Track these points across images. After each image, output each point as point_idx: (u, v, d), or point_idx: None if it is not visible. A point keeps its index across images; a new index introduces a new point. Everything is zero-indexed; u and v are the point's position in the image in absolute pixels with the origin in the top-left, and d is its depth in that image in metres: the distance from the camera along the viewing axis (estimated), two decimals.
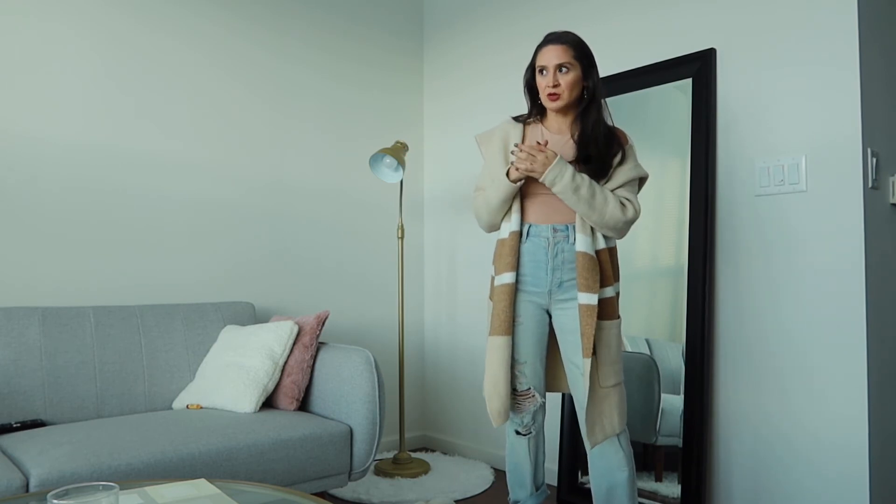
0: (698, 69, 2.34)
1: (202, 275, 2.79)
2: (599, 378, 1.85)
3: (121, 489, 1.17)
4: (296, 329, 2.40)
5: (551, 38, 1.93)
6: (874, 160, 2.03)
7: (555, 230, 1.92)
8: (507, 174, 1.92)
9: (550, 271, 1.91)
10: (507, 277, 1.93)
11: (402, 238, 3.10)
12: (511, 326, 1.93)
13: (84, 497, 1.07)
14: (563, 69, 1.90)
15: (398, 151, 2.98)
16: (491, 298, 1.97)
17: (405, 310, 3.43)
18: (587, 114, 1.93)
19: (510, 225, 1.96)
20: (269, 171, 3.00)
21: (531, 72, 1.99)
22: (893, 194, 2.15)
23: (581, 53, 1.92)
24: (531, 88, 2.02)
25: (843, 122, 2.03)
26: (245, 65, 2.95)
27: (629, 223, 1.90)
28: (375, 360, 2.28)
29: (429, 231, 3.52)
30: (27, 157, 2.41)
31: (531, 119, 2.04)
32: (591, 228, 1.89)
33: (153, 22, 2.70)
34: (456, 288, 3.34)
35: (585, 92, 1.93)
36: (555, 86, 1.89)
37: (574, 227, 1.90)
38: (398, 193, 3.19)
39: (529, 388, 1.97)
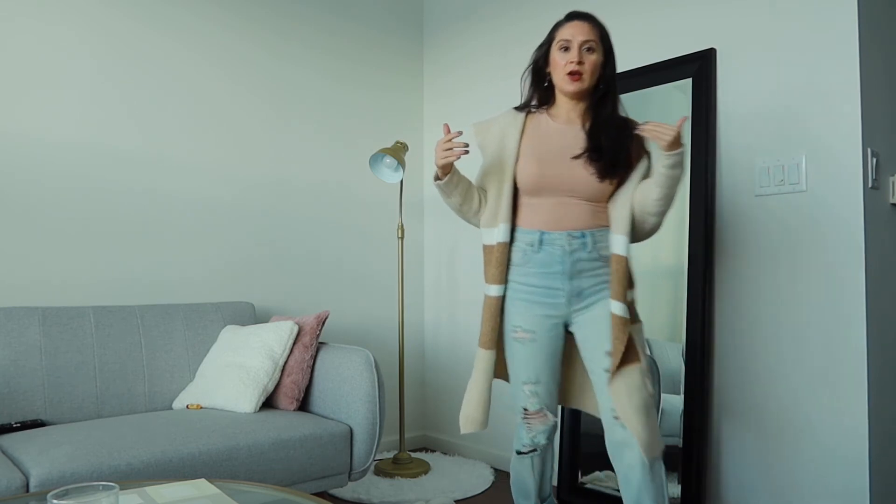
0: (698, 69, 2.34)
1: (202, 275, 2.79)
2: (648, 384, 1.70)
3: (121, 489, 1.17)
4: (296, 329, 2.40)
5: (578, 15, 1.78)
6: (874, 160, 2.03)
7: (571, 237, 1.74)
8: (435, 174, 1.81)
9: (567, 281, 1.75)
10: (494, 290, 1.80)
11: (402, 238, 3.10)
12: (496, 341, 1.81)
13: (84, 497, 1.06)
14: (589, 48, 1.73)
15: (398, 151, 2.98)
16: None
17: (405, 310, 3.43)
18: (602, 105, 1.77)
19: (497, 233, 1.79)
20: (269, 171, 3.00)
21: (544, 50, 1.80)
22: (893, 194, 2.15)
23: (605, 37, 1.77)
24: (538, 71, 1.83)
25: (843, 122, 2.03)
26: (246, 65, 2.95)
27: None
28: (375, 360, 2.28)
29: (429, 231, 3.52)
30: (27, 158, 2.40)
31: (533, 108, 1.86)
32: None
33: (153, 22, 2.70)
34: (456, 288, 3.34)
35: (602, 82, 1.77)
36: (579, 63, 1.71)
37: (590, 233, 1.75)
38: (398, 193, 3.19)
39: (542, 409, 1.83)
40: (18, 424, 2.05)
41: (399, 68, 3.48)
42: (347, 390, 2.25)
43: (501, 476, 2.93)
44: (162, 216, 2.70)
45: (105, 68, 2.58)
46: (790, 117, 2.15)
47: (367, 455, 2.24)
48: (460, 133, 1.73)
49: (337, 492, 2.60)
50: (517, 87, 3.00)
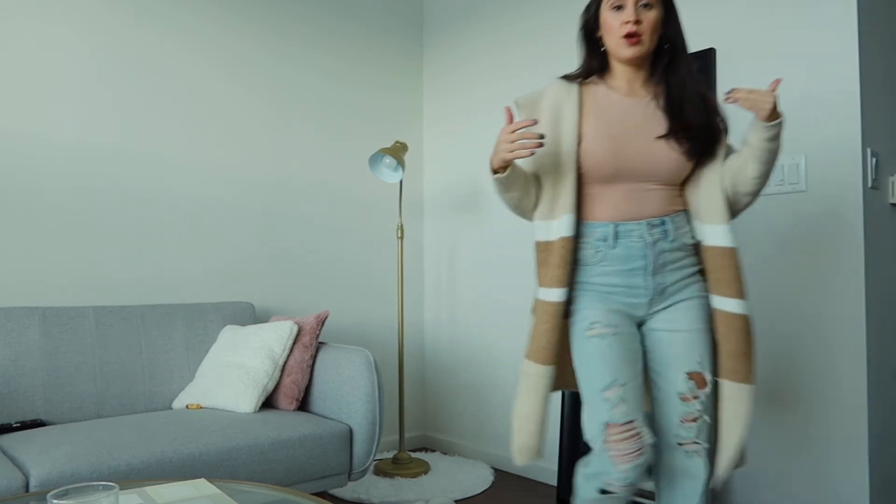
0: (698, 69, 2.33)
1: (202, 275, 2.79)
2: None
3: (121, 489, 1.17)
4: (295, 329, 2.40)
5: None
6: (874, 160, 2.03)
7: (650, 225, 1.50)
8: (492, 165, 1.50)
9: (650, 277, 1.49)
10: (555, 295, 1.49)
11: (401, 238, 3.10)
12: (555, 355, 1.50)
13: (84, 497, 1.06)
14: (646, 4, 1.47)
15: (398, 151, 2.98)
16: (534, 313, 1.56)
17: (405, 310, 3.43)
18: (672, 71, 1.52)
19: (559, 226, 1.51)
20: (269, 171, 3.01)
21: (593, 10, 1.55)
22: (893, 194, 2.15)
23: None
24: (590, 35, 1.57)
25: (842, 122, 2.03)
26: (246, 65, 2.95)
27: None
28: (375, 360, 2.29)
29: (428, 231, 3.52)
30: (27, 157, 2.40)
31: (583, 78, 1.59)
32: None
33: (153, 22, 2.70)
34: (456, 288, 3.34)
35: (665, 43, 1.53)
36: (636, 22, 1.45)
37: (670, 219, 1.51)
38: (398, 193, 3.20)
39: (633, 421, 1.41)
40: (18, 424, 2.05)
41: (399, 68, 3.48)
42: (347, 390, 2.25)
43: (501, 476, 2.93)
44: (162, 216, 2.70)
45: (105, 68, 2.58)
46: (790, 117, 2.15)
47: (366, 455, 2.24)
48: (535, 122, 1.44)
49: (337, 492, 2.60)
50: (517, 87, 3.03)
